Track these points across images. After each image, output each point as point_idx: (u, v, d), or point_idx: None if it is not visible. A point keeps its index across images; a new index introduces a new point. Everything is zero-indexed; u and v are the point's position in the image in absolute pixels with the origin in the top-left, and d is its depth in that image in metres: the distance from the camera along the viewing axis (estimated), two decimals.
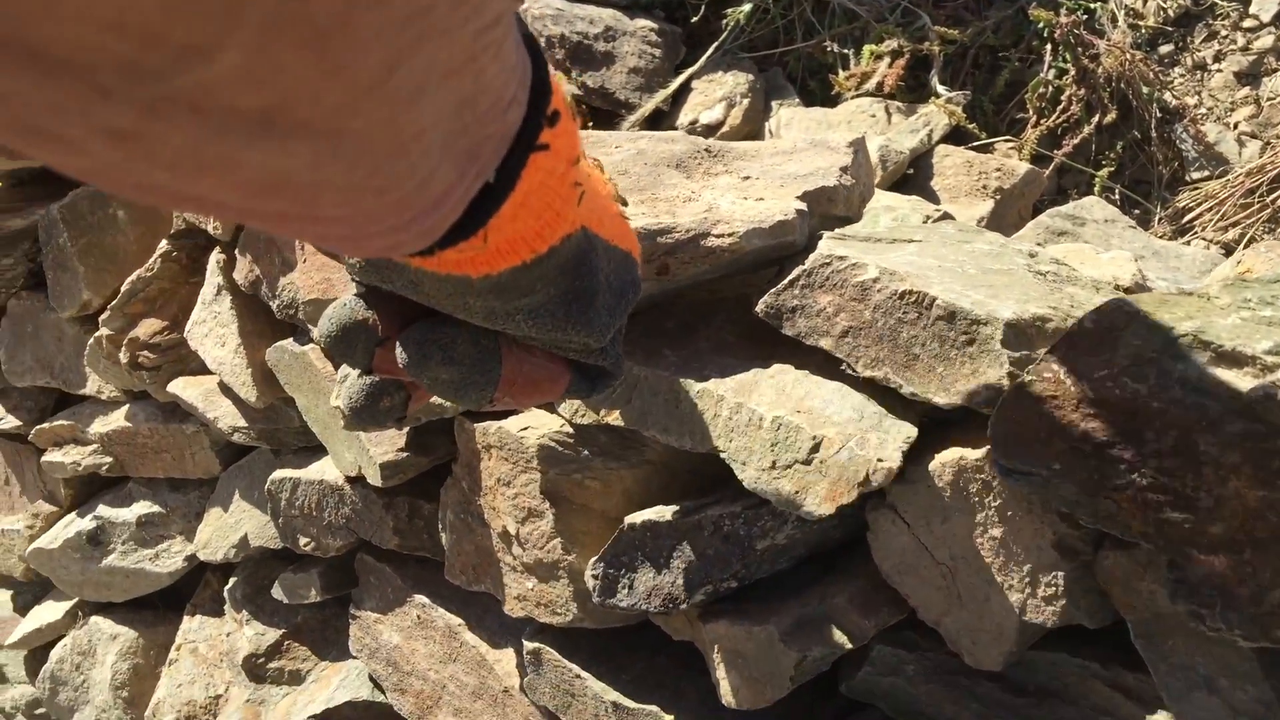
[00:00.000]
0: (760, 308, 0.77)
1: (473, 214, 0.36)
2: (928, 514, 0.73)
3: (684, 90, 1.44)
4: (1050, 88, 1.32)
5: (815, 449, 0.71)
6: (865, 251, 0.76)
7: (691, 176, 0.85)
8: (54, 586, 1.57)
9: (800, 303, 0.75)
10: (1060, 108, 1.30)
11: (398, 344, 0.48)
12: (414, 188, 0.31)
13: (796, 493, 0.72)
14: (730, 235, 0.75)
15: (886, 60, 1.39)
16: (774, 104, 1.44)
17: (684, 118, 1.41)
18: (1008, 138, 1.37)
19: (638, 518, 0.79)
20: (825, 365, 0.76)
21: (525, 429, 0.87)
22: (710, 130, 1.43)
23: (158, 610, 1.61)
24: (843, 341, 0.74)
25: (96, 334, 1.36)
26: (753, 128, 1.42)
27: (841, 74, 1.40)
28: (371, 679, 1.23)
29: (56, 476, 1.48)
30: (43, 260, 1.46)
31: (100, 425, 1.46)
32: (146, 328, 1.33)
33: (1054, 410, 0.64)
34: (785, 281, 0.76)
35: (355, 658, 1.23)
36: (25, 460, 1.47)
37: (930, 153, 1.35)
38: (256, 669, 1.38)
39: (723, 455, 0.75)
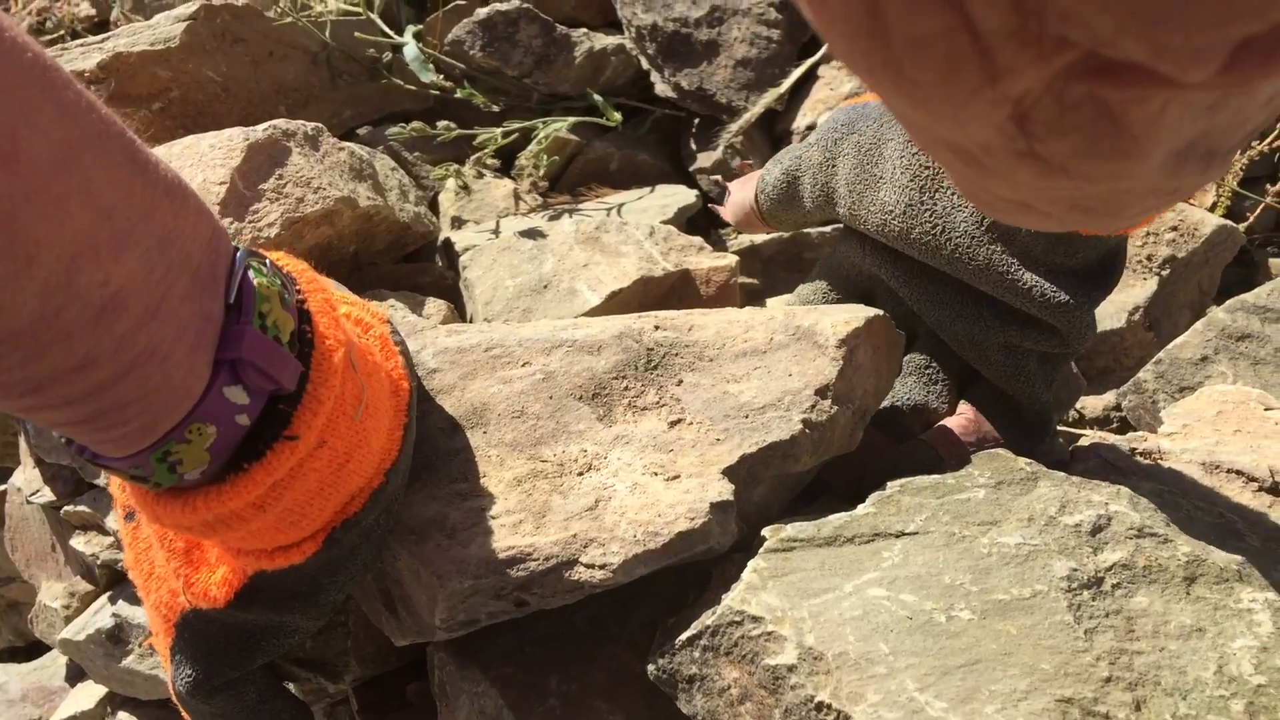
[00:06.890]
0: (650, 671, 0.62)
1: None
2: None
3: (807, 81, 1.19)
4: None
5: None
6: (806, 585, 0.59)
7: (611, 414, 0.65)
8: None
9: (700, 671, 0.59)
10: None
11: None
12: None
13: None
14: (603, 567, 0.59)
15: None
16: None
17: (801, 120, 1.17)
18: None
19: None
20: None
21: None
22: None
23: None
24: None
25: None
26: None
27: None
28: None
29: (84, 561, 1.28)
30: None
31: (112, 521, 1.20)
32: None
33: None
34: (684, 638, 0.60)
35: None
36: (65, 532, 1.30)
37: None
38: None
39: None
